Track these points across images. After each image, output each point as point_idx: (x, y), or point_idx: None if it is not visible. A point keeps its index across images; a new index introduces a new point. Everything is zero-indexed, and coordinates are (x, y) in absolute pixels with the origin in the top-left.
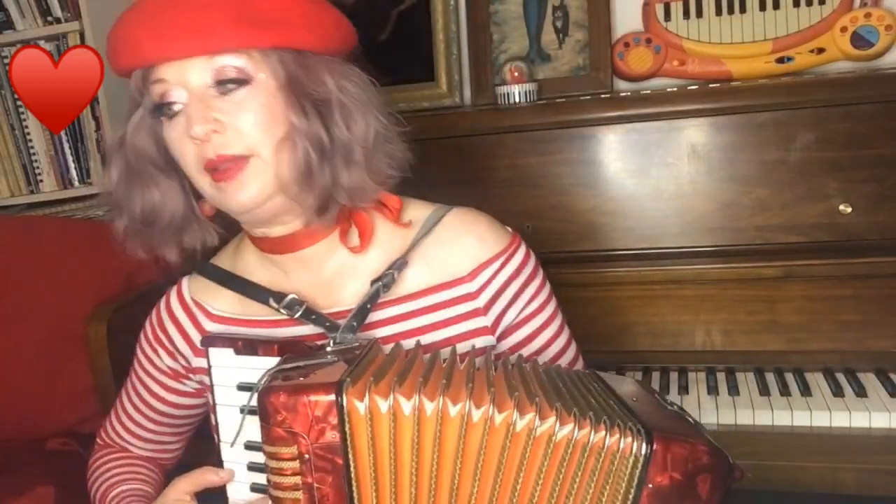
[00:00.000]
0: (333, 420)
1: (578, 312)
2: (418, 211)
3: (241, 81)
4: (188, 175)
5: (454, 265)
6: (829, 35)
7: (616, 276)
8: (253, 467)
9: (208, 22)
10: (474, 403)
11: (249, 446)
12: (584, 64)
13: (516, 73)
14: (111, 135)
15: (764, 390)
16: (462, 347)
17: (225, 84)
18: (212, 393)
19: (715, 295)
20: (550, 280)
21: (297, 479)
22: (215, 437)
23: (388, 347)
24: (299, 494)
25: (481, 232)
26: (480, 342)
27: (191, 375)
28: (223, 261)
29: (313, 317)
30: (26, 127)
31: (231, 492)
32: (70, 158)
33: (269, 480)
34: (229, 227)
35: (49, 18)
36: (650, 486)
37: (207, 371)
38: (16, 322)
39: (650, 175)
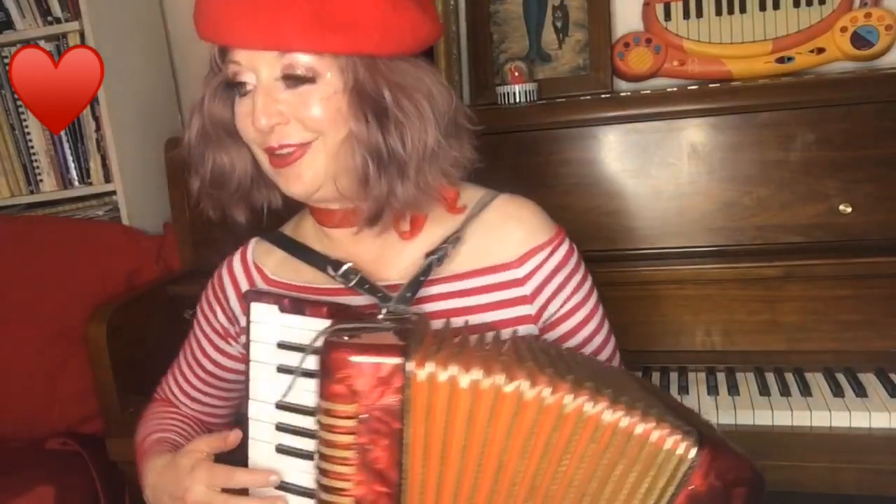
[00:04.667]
0: (397, 383)
1: None
2: (470, 193)
3: (308, 79)
4: (249, 147)
5: (502, 249)
6: (829, 35)
7: (616, 275)
8: (282, 428)
9: (282, 20)
10: (530, 382)
11: (282, 406)
12: (584, 64)
13: (516, 73)
14: (194, 95)
15: (764, 390)
16: (505, 334)
17: (292, 79)
18: (247, 348)
19: (715, 295)
20: None
21: (350, 438)
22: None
23: (437, 324)
24: (350, 454)
25: (530, 218)
26: (522, 330)
27: (239, 339)
28: (288, 230)
29: (367, 286)
30: (26, 127)
31: (253, 452)
32: (70, 158)
33: (320, 438)
34: None
35: (49, 18)
36: (690, 487)
37: (246, 326)
38: (16, 322)
39: (650, 175)
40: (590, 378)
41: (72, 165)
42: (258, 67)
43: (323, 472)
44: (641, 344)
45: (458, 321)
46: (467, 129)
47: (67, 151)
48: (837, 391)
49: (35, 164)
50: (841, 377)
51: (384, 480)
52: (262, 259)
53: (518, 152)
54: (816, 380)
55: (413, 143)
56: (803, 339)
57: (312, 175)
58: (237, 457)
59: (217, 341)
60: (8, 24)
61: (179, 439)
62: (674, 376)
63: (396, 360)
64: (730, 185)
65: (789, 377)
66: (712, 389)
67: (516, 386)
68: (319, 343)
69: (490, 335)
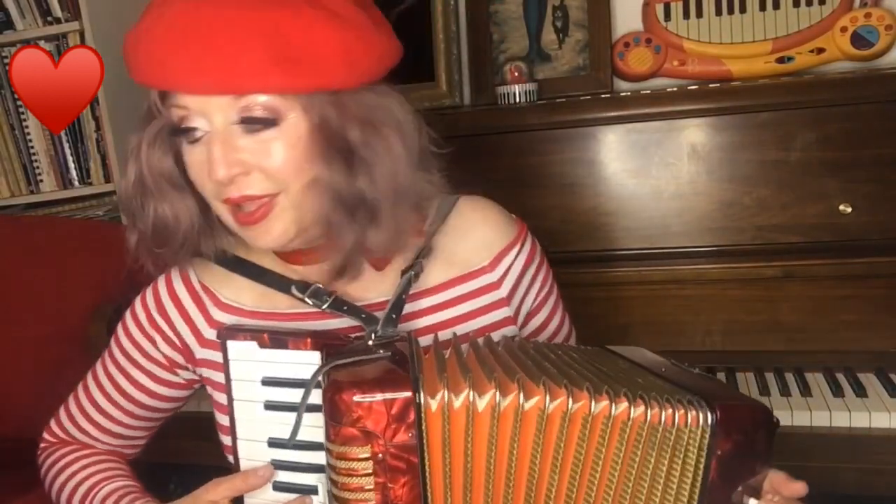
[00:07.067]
0: (410, 419)
1: (578, 312)
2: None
3: (269, 121)
4: (206, 200)
5: (473, 255)
6: (829, 35)
7: (616, 276)
8: (278, 465)
9: (239, 61)
10: (550, 395)
11: (273, 443)
12: (584, 64)
13: (516, 73)
14: (131, 138)
15: (764, 390)
16: (496, 340)
17: (251, 121)
18: (228, 388)
19: (715, 295)
20: None
21: (368, 480)
22: (224, 434)
23: (424, 340)
24: (370, 496)
25: (495, 218)
26: (506, 332)
27: (189, 367)
28: (229, 244)
29: (345, 308)
30: (26, 127)
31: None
32: (70, 158)
33: (333, 481)
34: None
35: (49, 18)
36: (718, 452)
37: (224, 365)
38: (16, 322)
39: (650, 175)
40: (597, 376)
41: (72, 165)
42: (211, 113)
43: None
44: (641, 344)
45: (445, 334)
46: (434, 153)
47: (67, 151)
48: (837, 391)
49: (35, 164)
50: (841, 377)
51: None
52: (209, 279)
53: (518, 152)
54: (816, 380)
55: (384, 183)
56: (803, 339)
57: (282, 230)
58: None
59: (158, 372)
60: (8, 24)
61: (133, 482)
62: None
63: (407, 394)
64: (730, 185)
65: (789, 377)
66: None
67: (536, 401)
68: (318, 379)
69: (483, 343)
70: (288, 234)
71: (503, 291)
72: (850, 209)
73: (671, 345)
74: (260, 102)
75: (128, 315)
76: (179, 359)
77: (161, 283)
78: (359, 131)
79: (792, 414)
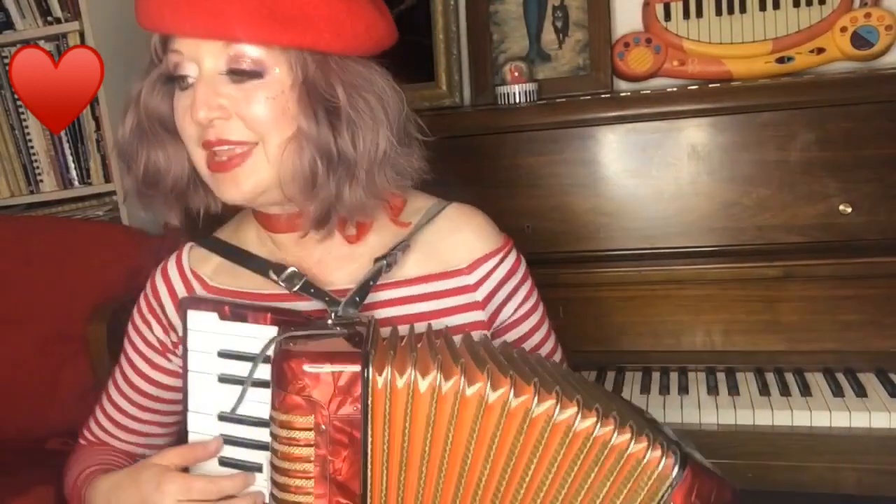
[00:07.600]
0: (356, 392)
1: (579, 312)
2: (420, 201)
3: (255, 74)
4: (186, 146)
5: (453, 256)
6: (829, 35)
7: (616, 276)
8: (225, 440)
9: (229, 8)
10: (492, 385)
11: (223, 417)
12: (584, 64)
13: (516, 73)
14: (131, 87)
15: (764, 390)
16: (458, 336)
17: (237, 73)
18: (184, 359)
19: (715, 295)
20: (550, 280)
21: (310, 451)
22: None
23: (385, 330)
24: (310, 467)
25: (481, 226)
26: (475, 336)
27: (177, 350)
28: (225, 234)
29: (312, 290)
30: (26, 127)
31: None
32: (70, 158)
33: (275, 450)
34: None
35: (49, 18)
36: None
37: (182, 335)
38: (16, 322)
39: (650, 175)
40: (557, 382)
41: (72, 165)
42: (201, 58)
43: (280, 486)
44: (641, 344)
45: (419, 328)
46: (417, 140)
47: (67, 151)
48: (837, 391)
49: (35, 164)
50: (841, 377)
51: (346, 492)
52: (199, 265)
53: (518, 152)
54: (816, 380)
55: (365, 144)
56: (803, 339)
57: (253, 183)
58: None
59: (154, 358)
60: (8, 24)
61: (110, 465)
62: (674, 376)
63: (355, 368)
64: (730, 185)
65: (789, 377)
66: (712, 389)
67: (479, 388)
68: (271, 351)
69: (443, 338)
70: (258, 188)
71: (478, 295)
72: (850, 209)
73: (671, 345)
74: (248, 55)
75: (135, 306)
76: (169, 343)
77: (157, 270)
78: (345, 93)
79: (792, 414)
